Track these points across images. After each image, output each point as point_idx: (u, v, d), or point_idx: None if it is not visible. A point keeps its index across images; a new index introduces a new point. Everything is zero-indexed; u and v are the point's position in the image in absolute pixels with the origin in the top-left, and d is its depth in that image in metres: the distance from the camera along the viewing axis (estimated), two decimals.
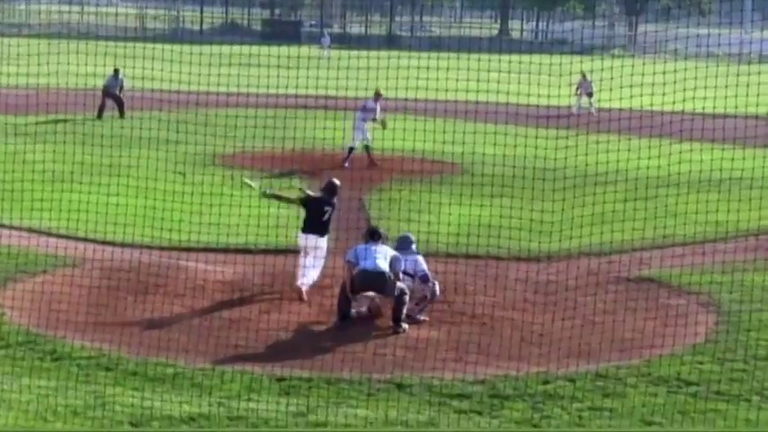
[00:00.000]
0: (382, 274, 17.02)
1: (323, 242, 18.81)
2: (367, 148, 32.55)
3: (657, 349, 15.86)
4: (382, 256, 17.19)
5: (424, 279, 17.56)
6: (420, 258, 17.81)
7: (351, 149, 32.49)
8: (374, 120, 32.54)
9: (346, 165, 31.82)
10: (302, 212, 19.22)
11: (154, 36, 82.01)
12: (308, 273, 18.63)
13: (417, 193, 24.62)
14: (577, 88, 45.80)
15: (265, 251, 21.02)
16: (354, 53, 71.24)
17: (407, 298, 16.99)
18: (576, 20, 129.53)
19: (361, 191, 27.20)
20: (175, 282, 18.94)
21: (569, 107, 43.43)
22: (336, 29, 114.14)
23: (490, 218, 23.54)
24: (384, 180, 29.19)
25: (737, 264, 20.31)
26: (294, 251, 19.36)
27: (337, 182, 19.43)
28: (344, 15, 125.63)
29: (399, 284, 17.01)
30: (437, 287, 17.73)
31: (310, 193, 19.48)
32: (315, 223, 18.74)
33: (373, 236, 17.74)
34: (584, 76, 43.50)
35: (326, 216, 18.82)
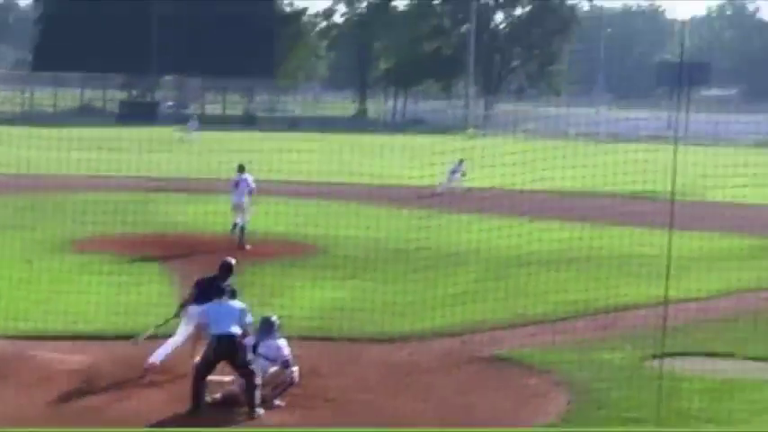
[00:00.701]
0: (233, 338, 16.84)
1: None
2: (242, 228, 31.37)
3: (511, 429, 15.92)
4: (231, 317, 17.00)
5: (286, 365, 17.39)
6: (282, 343, 17.58)
7: (234, 225, 31.23)
8: (249, 194, 31.37)
9: (247, 247, 30.79)
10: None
11: (4, 118, 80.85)
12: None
13: (272, 275, 24.42)
14: (453, 171, 46.03)
15: (117, 338, 20.59)
16: (213, 134, 71.25)
17: (259, 380, 16.79)
18: (433, 99, 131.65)
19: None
20: (22, 372, 18.40)
21: (436, 185, 43.10)
22: (193, 109, 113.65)
23: (344, 300, 23.46)
24: (238, 263, 28.83)
25: (589, 342, 20.60)
26: (149, 337, 18.90)
27: (232, 260, 19.19)
28: (203, 95, 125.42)
29: (250, 358, 16.81)
30: (296, 373, 17.59)
31: (200, 277, 19.13)
32: (211, 296, 18.18)
33: (219, 291, 17.52)
34: (461, 161, 44.12)
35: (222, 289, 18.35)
